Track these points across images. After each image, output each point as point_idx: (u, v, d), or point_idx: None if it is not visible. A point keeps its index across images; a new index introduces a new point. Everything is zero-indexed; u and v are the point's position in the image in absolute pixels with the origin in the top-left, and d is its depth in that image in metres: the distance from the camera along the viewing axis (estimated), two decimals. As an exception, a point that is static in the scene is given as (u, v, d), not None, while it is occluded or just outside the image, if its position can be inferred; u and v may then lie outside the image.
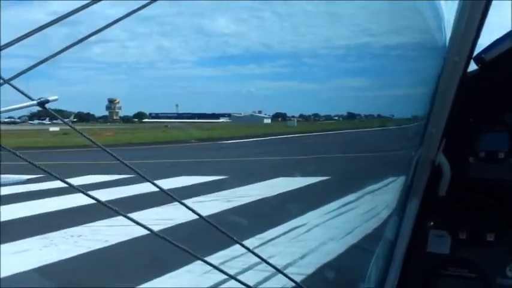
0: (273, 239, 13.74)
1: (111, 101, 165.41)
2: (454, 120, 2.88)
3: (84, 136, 1.90)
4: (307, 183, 23.16)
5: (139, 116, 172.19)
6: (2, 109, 1.50)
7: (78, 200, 15.74)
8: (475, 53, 2.80)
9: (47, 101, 1.55)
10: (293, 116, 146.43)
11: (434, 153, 2.94)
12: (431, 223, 3.09)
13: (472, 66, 2.92)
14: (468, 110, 3.02)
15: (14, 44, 1.38)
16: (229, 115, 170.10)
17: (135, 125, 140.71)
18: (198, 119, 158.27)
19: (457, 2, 2.64)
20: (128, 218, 1.79)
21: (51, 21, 1.45)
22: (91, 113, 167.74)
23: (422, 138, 2.98)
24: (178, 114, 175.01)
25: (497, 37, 3.00)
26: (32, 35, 1.43)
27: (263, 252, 11.97)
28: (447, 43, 2.76)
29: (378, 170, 21.04)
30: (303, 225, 15.12)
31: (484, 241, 3.01)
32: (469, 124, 3.07)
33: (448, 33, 2.76)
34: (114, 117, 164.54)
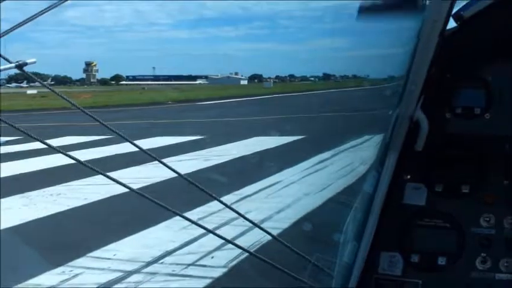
0: (249, 195, 13.92)
1: (88, 64, 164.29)
2: (432, 77, 2.91)
3: (64, 98, 1.93)
4: (284, 142, 23.28)
5: (117, 78, 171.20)
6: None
7: (57, 160, 15.82)
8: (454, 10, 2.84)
9: (25, 64, 1.60)
10: (269, 77, 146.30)
11: (412, 110, 2.97)
12: (408, 176, 3.15)
13: (451, 24, 2.95)
14: (446, 66, 3.07)
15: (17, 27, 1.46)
16: (206, 77, 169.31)
17: (113, 87, 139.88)
18: (174, 80, 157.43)
19: None
20: (107, 176, 1.88)
21: None
22: (68, 75, 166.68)
23: (402, 96, 3.00)
24: (155, 76, 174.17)
25: None
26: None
27: (240, 208, 12.07)
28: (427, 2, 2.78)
29: (354, 128, 21.23)
30: (279, 181, 15.31)
31: (459, 193, 3.09)
32: (446, 80, 3.12)
33: None
34: (92, 80, 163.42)
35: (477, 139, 3.13)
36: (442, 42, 2.75)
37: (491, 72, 3.10)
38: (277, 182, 15.26)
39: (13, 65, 1.58)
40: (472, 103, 3.12)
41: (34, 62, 1.62)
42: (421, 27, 2.75)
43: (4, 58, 1.55)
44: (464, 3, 2.98)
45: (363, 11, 3.22)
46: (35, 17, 1.55)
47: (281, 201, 13.39)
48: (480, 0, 2.95)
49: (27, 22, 1.54)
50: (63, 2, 1.58)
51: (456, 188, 3.11)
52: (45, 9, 1.55)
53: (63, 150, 1.76)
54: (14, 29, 1.51)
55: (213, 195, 2.23)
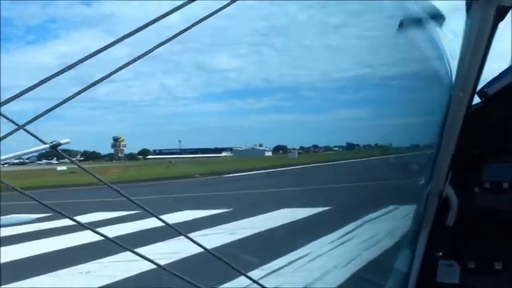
0: (277, 270, 13.80)
1: (116, 139, 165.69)
2: (460, 152, 2.93)
3: (92, 174, 1.95)
4: (310, 214, 23.17)
5: (144, 152, 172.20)
6: (18, 153, 1.59)
7: (86, 237, 15.89)
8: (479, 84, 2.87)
9: (59, 144, 1.62)
10: (293, 148, 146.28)
11: (442, 185, 2.99)
12: (440, 253, 3.15)
13: (477, 99, 3.01)
14: (473, 141, 3.09)
15: (27, 92, 1.47)
16: (230, 149, 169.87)
17: (140, 161, 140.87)
18: (200, 153, 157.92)
19: (458, 33, 2.75)
20: (135, 253, 1.88)
21: (62, 70, 1.53)
22: (97, 151, 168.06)
23: (432, 171, 3.02)
24: (181, 149, 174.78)
25: (498, 65, 3.10)
26: (44, 83, 1.51)
27: (268, 283, 11.97)
28: (450, 75, 2.87)
29: (379, 198, 21.14)
30: (307, 254, 15.19)
31: (492, 270, 3.08)
32: (474, 155, 3.14)
33: (452, 64, 2.87)
34: (120, 155, 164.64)
35: (507, 214, 3.12)
36: (469, 117, 2.80)
37: None
38: (305, 255, 15.15)
39: (47, 145, 1.62)
40: (500, 178, 3.13)
41: (68, 143, 1.66)
42: (449, 102, 2.81)
43: (39, 139, 1.59)
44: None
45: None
46: (70, 99, 1.59)
47: (310, 274, 13.30)
48: (502, 78, 3.03)
49: (62, 104, 1.58)
50: (97, 83, 1.62)
51: (489, 264, 3.09)
52: (79, 91, 1.60)
53: (92, 226, 1.79)
54: (50, 111, 1.56)
55: (240, 270, 2.18)
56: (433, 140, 3.10)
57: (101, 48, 1.55)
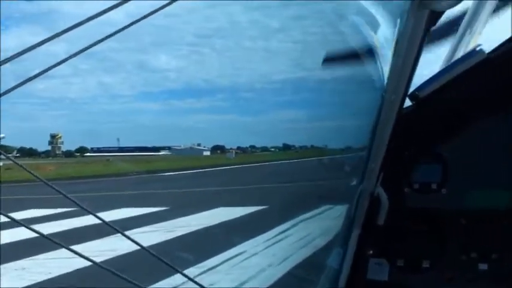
0: (212, 267, 13.87)
1: (53, 136, 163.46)
2: (390, 154, 3.01)
3: (27, 170, 1.90)
4: (246, 213, 23.35)
5: (81, 150, 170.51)
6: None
7: (21, 234, 15.71)
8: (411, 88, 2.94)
9: None
10: (231, 148, 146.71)
11: (373, 185, 3.08)
12: (371, 251, 3.25)
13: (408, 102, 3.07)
14: (403, 143, 3.19)
15: None
16: (169, 148, 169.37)
17: (77, 159, 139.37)
18: (139, 152, 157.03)
19: (390, 37, 2.82)
20: (70, 250, 1.90)
21: (2, 61, 1.50)
22: (34, 147, 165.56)
23: (364, 172, 3.10)
24: (119, 147, 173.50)
25: (428, 70, 3.24)
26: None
27: (204, 281, 12.08)
28: (383, 78, 2.90)
29: (313, 198, 21.35)
30: (243, 252, 15.32)
31: (420, 268, 3.21)
32: (404, 157, 3.25)
33: (384, 67, 2.91)
34: (57, 152, 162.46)
35: (435, 214, 3.25)
36: (400, 120, 2.89)
37: (446, 148, 3.25)
38: (241, 253, 15.28)
39: (-18, 140, 1.47)
40: (429, 179, 3.26)
41: (3, 138, 1.75)
42: (380, 105, 2.88)
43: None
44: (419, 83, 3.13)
45: (328, 60, 3.39)
46: (10, 91, 1.56)
47: (245, 272, 13.38)
48: (433, 82, 3.14)
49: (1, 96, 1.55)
50: (36, 77, 1.60)
51: (417, 262, 3.23)
52: (19, 83, 1.57)
53: (27, 223, 1.77)
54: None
55: (176, 268, 2.23)
56: (365, 141, 3.17)
57: (39, 42, 1.56)
